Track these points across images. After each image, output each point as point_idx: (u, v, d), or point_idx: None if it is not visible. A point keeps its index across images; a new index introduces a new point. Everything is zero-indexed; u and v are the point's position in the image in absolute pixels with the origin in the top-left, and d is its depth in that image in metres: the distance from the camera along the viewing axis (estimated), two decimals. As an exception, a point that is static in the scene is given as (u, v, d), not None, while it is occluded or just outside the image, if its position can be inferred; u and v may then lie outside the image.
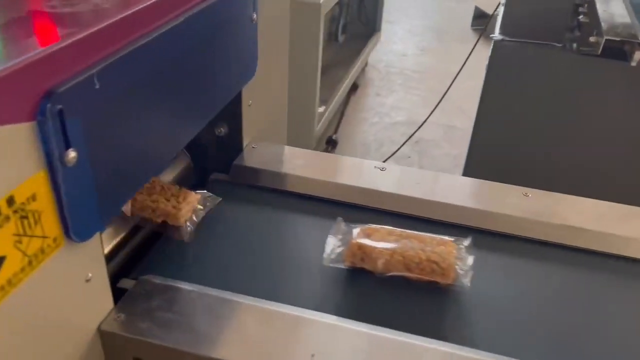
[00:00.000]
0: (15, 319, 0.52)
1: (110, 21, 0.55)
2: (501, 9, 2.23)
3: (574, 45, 2.08)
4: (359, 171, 1.00)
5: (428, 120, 3.46)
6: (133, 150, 0.64)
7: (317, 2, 2.48)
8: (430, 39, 4.58)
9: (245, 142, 1.02)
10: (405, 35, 4.73)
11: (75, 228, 0.56)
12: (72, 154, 0.53)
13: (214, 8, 0.75)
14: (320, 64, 2.65)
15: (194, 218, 0.83)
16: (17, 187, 0.48)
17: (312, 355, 0.65)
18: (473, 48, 2.72)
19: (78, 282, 0.61)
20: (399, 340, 0.67)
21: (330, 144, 3.14)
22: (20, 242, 0.50)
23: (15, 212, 0.48)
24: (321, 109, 3.10)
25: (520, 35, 2.12)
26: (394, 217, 0.91)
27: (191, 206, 0.83)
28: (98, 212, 0.59)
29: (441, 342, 0.68)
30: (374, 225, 0.82)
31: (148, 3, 0.61)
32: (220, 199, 0.87)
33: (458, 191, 0.95)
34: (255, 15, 0.91)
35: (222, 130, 0.99)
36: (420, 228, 0.83)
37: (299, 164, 1.00)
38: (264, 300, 0.72)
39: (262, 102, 1.05)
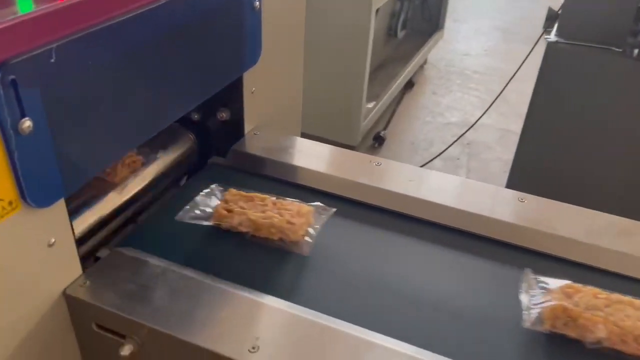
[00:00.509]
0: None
1: (75, 1, 0.58)
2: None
3: (636, 51, 1.95)
4: (355, 164, 0.99)
5: (484, 123, 3.36)
6: (100, 124, 0.66)
7: (368, -2, 2.46)
8: (496, 39, 4.42)
9: (247, 128, 1.04)
10: (471, 34, 4.59)
11: (31, 194, 0.59)
12: (27, 123, 0.56)
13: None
14: (369, 59, 2.63)
15: (311, 231, 0.82)
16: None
17: (257, 338, 0.65)
18: (532, 50, 2.61)
19: (40, 245, 0.64)
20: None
21: (377, 141, 3.12)
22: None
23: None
24: (370, 105, 3.07)
25: (578, 38, 2.01)
26: (386, 214, 0.90)
27: (305, 219, 0.82)
28: (59, 180, 0.62)
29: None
30: (575, 285, 0.73)
31: None
32: (335, 209, 0.86)
33: (443, 190, 0.92)
34: (257, 3, 0.92)
35: (224, 115, 1.01)
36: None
37: (297, 153, 1.00)
38: (228, 282, 0.74)
39: (268, 90, 1.06)
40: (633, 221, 0.86)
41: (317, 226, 0.83)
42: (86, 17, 0.59)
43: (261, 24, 0.95)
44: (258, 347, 0.64)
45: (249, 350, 0.64)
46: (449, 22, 4.73)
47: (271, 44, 1.02)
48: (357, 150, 2.99)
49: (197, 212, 0.85)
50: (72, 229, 0.69)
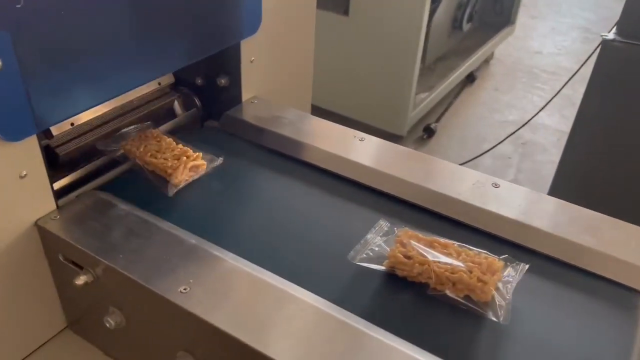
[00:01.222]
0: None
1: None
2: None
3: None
4: (339, 139, 1.00)
5: (544, 123, 3.23)
6: (73, 68, 0.73)
7: (422, -14, 2.42)
8: (574, 39, 4.21)
9: (246, 97, 1.08)
10: (547, 32, 4.39)
11: (1, 128, 0.67)
12: (-8, 60, 0.63)
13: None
14: (420, 49, 2.60)
15: (505, 293, 0.71)
16: None
17: (190, 281, 0.70)
18: (595, 49, 2.48)
19: (11, 176, 0.72)
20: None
21: (427, 132, 3.08)
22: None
23: None
24: (423, 95, 3.03)
25: (636, 36, 1.89)
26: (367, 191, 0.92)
27: (497, 276, 0.72)
28: (30, 117, 0.69)
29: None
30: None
31: None
32: (526, 265, 0.75)
33: (413, 167, 0.92)
34: (257, -28, 0.95)
35: (223, 82, 1.06)
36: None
37: (287, 124, 1.03)
38: (187, 232, 0.79)
39: (270, 61, 1.10)
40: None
41: (510, 286, 0.72)
42: None
43: (261, -8, 0.99)
44: (189, 289, 0.69)
45: (180, 291, 0.68)
46: (525, 19, 4.54)
47: (274, 15, 1.05)
48: (404, 141, 2.97)
49: (370, 253, 0.77)
50: (46, 164, 0.76)
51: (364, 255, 0.77)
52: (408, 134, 3.03)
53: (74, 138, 0.89)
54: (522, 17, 4.55)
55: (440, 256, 0.74)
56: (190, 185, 0.90)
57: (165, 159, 0.90)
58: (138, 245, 0.75)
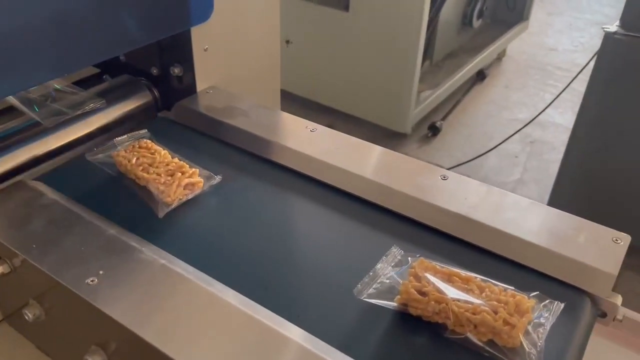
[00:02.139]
0: None
1: None
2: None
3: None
4: (290, 130, 0.96)
5: (555, 122, 3.13)
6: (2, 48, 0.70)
7: (421, -21, 2.37)
8: (592, 35, 4.07)
9: (200, 87, 1.05)
10: (563, 28, 4.27)
11: None
12: None
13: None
14: (421, 46, 2.54)
15: (536, 338, 0.61)
16: None
17: (100, 273, 0.67)
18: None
19: None
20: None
21: (432, 130, 3.01)
22: None
23: None
24: (428, 93, 2.97)
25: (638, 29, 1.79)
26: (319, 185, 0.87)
27: (526, 318, 0.62)
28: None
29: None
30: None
31: None
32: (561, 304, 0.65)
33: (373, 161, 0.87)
34: (204, -44, 0.92)
35: (177, 70, 1.03)
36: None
37: (240, 114, 1.00)
38: (110, 223, 0.76)
39: (226, 50, 1.06)
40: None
41: (542, 329, 0.62)
42: None
43: (210, -20, 0.95)
44: (96, 281, 0.65)
45: (87, 282, 0.65)
46: (541, 15, 4.42)
47: (232, 3, 1.02)
48: (408, 139, 2.91)
49: (380, 287, 0.68)
50: (-35, 153, 0.74)
51: (373, 289, 0.67)
52: (412, 131, 2.97)
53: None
54: (538, 13, 4.42)
55: (460, 293, 0.64)
56: (184, 205, 0.81)
57: (158, 174, 0.82)
58: (55, 235, 0.72)
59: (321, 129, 0.95)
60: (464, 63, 3.29)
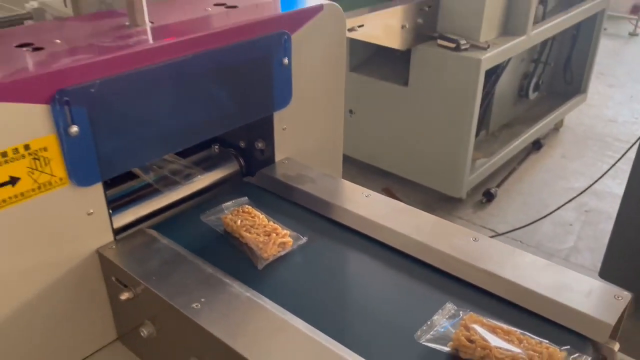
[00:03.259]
0: (30, 222, 0.89)
1: (112, 55, 0.91)
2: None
3: None
4: (349, 195, 1.18)
5: (612, 192, 3.19)
6: (131, 134, 0.97)
7: (477, 58, 2.59)
8: (654, 107, 4.12)
9: (278, 157, 1.29)
10: (624, 100, 4.34)
11: (75, 176, 0.91)
12: (74, 128, 0.88)
13: (224, 52, 1.05)
14: (475, 116, 2.73)
15: None
16: (33, 140, 0.85)
17: (202, 300, 0.89)
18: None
19: (81, 212, 0.96)
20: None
21: (487, 196, 3.15)
22: (32, 173, 0.87)
23: (29, 154, 0.85)
24: (483, 160, 3.13)
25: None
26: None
27: None
28: (97, 169, 0.94)
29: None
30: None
31: (144, 47, 0.95)
32: (589, 358, 0.81)
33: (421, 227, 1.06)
34: (286, 60, 1.18)
35: (260, 145, 1.28)
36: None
37: (309, 181, 1.22)
38: (208, 264, 0.98)
39: (300, 129, 1.31)
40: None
41: None
42: (112, 68, 0.91)
43: (291, 77, 1.21)
44: (199, 306, 0.87)
45: (192, 307, 0.87)
46: (602, 87, 4.52)
47: (304, 92, 1.27)
48: (463, 204, 3.05)
49: (436, 334, 0.85)
50: (107, 206, 1.00)
51: (430, 335, 0.84)
52: (468, 196, 3.11)
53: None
54: (599, 86, 4.52)
55: (502, 342, 0.80)
56: (277, 259, 1.03)
57: (257, 234, 1.04)
58: (169, 270, 0.96)
59: (374, 195, 1.16)
60: (520, 133, 3.43)
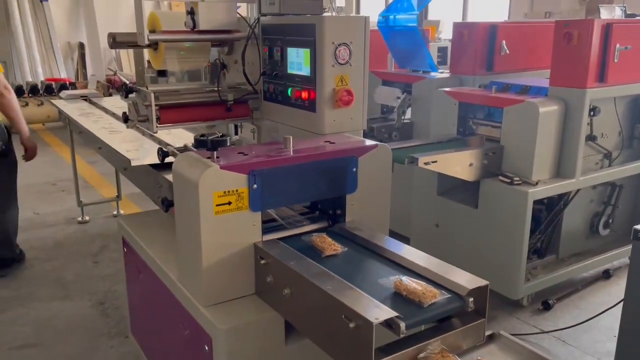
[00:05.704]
0: (232, 222, 2.18)
1: (273, 158, 2.22)
2: None
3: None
4: (369, 234, 2.29)
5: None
6: (277, 193, 2.24)
7: (525, 191, 3.58)
8: None
9: (348, 219, 2.46)
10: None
11: (252, 206, 2.20)
12: (255, 186, 2.18)
13: (324, 162, 2.32)
14: (526, 244, 3.62)
15: None
16: (239, 188, 2.16)
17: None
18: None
19: (251, 223, 2.23)
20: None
21: (544, 305, 3.85)
22: (236, 201, 2.17)
23: (237, 193, 2.16)
24: (541, 272, 3.92)
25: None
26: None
27: None
28: (260, 205, 2.21)
29: None
30: None
31: (289, 156, 2.25)
32: None
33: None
34: (354, 169, 2.40)
35: (339, 212, 2.48)
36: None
37: (358, 229, 2.36)
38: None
39: (364, 205, 2.48)
40: None
41: None
42: (273, 164, 2.23)
43: (357, 178, 2.42)
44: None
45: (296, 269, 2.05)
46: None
47: (365, 183, 2.46)
48: (524, 309, 3.78)
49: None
50: (261, 222, 2.25)
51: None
52: (529, 304, 3.85)
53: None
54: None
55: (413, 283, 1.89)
56: (332, 255, 2.20)
57: (327, 244, 2.22)
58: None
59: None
60: (587, 260, 4.13)
